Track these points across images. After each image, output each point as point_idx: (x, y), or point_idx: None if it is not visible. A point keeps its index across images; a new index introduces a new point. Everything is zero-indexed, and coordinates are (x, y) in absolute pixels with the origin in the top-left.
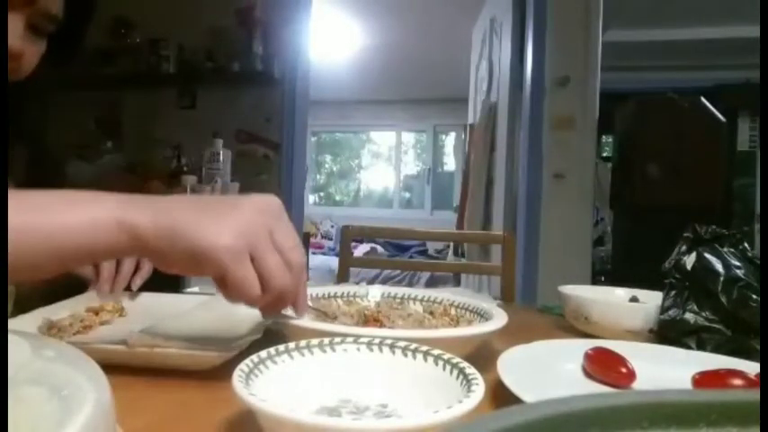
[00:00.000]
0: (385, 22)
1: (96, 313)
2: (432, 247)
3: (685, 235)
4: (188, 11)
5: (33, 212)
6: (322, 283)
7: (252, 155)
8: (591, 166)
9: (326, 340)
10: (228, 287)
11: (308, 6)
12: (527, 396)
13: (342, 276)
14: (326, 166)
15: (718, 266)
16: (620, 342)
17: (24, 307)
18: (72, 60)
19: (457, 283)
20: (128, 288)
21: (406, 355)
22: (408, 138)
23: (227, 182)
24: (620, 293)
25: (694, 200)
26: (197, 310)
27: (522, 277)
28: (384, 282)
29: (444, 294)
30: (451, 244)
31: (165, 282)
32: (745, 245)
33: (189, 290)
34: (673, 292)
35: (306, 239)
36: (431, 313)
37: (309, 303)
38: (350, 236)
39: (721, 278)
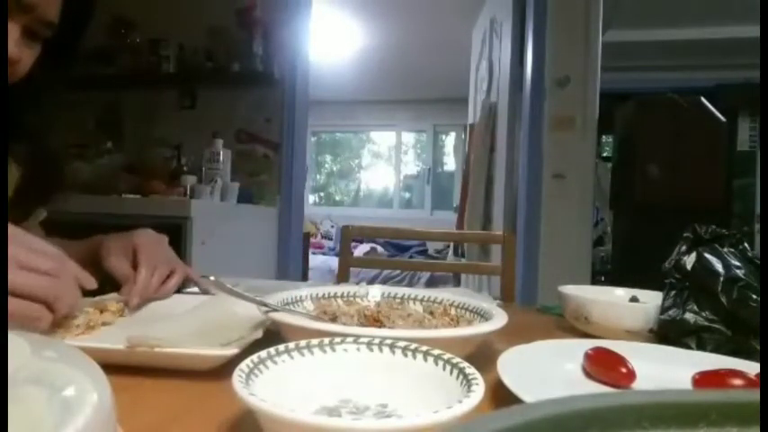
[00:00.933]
0: (385, 23)
1: (101, 311)
2: (432, 247)
3: (685, 235)
4: (188, 11)
5: None
6: (322, 283)
7: (252, 155)
8: (591, 166)
9: (326, 340)
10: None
11: (308, 6)
12: (527, 396)
13: (342, 276)
14: (326, 166)
15: (718, 266)
16: (620, 342)
17: None
18: (69, 63)
19: (457, 283)
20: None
21: (406, 355)
22: (408, 138)
23: (228, 182)
24: (620, 293)
25: (694, 200)
26: (197, 310)
27: (522, 277)
28: (384, 282)
29: (444, 294)
30: (451, 244)
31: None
32: (745, 245)
33: (189, 290)
34: (673, 292)
35: (306, 239)
36: (431, 313)
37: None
38: (350, 236)
39: (721, 278)
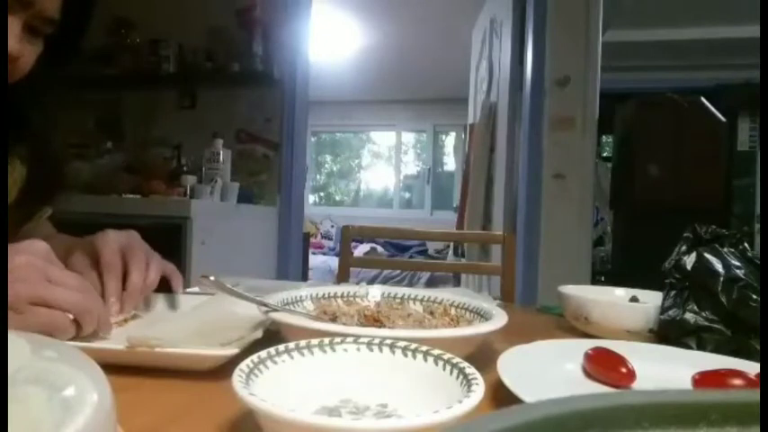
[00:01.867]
0: (385, 23)
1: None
2: (432, 247)
3: (685, 235)
4: (188, 11)
5: None
6: (322, 283)
7: (252, 155)
8: (591, 166)
9: (326, 340)
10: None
11: (308, 6)
12: (527, 396)
13: (342, 276)
14: (326, 166)
15: (718, 266)
16: (620, 342)
17: None
18: (71, 61)
19: (457, 283)
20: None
21: (406, 355)
22: (408, 138)
23: (228, 182)
24: (620, 293)
25: (694, 200)
26: (197, 310)
27: (522, 277)
28: (384, 282)
29: (444, 294)
30: (451, 244)
31: (165, 282)
32: (745, 245)
33: (189, 290)
34: (673, 292)
35: (306, 239)
36: (431, 313)
37: None
38: (350, 236)
39: (721, 278)
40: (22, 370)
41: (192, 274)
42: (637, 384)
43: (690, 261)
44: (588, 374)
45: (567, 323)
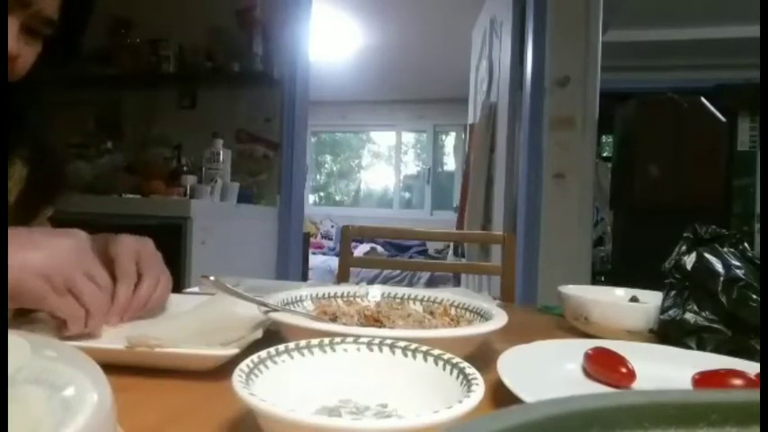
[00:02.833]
0: (385, 22)
1: None
2: (432, 247)
3: (685, 235)
4: (188, 11)
5: None
6: (322, 283)
7: (252, 155)
8: (591, 166)
9: (326, 340)
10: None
11: (307, 6)
12: (527, 396)
13: (342, 276)
14: (326, 166)
15: (718, 266)
16: (620, 342)
17: None
18: (69, 62)
19: (457, 283)
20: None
21: (406, 355)
22: (408, 138)
23: (228, 182)
24: (620, 293)
25: (694, 200)
26: (197, 310)
27: (522, 277)
28: (384, 282)
29: (444, 294)
30: (451, 244)
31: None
32: (745, 245)
33: (189, 290)
34: (673, 292)
35: (306, 239)
36: (431, 313)
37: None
38: (350, 236)
39: (721, 278)
40: (22, 370)
41: (192, 274)
42: (637, 384)
43: (690, 261)
44: (588, 374)
45: (567, 323)
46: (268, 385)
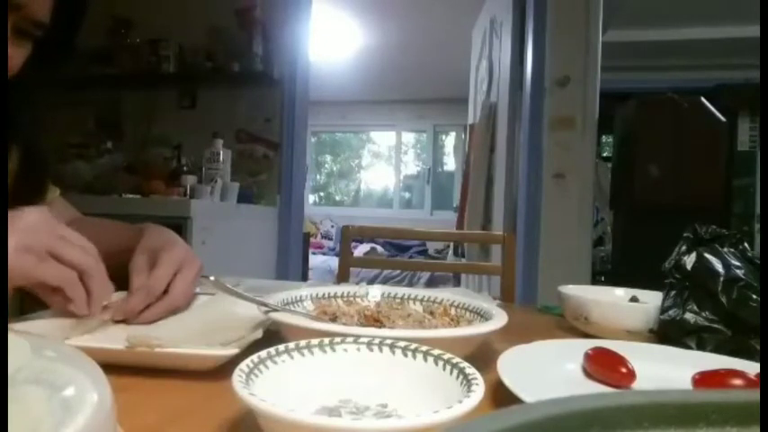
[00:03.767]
0: (385, 22)
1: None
2: (432, 247)
3: (685, 235)
4: (188, 11)
5: None
6: (322, 283)
7: (252, 155)
8: (591, 166)
9: (326, 340)
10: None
11: (308, 6)
12: (527, 396)
13: (342, 276)
14: (326, 166)
15: (718, 266)
16: (620, 342)
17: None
18: (64, 63)
19: (457, 283)
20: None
21: (406, 355)
22: (408, 138)
23: (228, 182)
24: (620, 293)
25: (694, 200)
26: (197, 310)
27: (522, 277)
28: (384, 282)
29: (444, 294)
30: (451, 244)
31: None
32: (745, 245)
33: None
34: (673, 292)
35: (306, 239)
36: (431, 313)
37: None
38: (350, 236)
39: (721, 278)
40: (22, 370)
41: None
42: (637, 384)
43: (690, 261)
44: (588, 374)
45: (567, 323)
46: (268, 385)
